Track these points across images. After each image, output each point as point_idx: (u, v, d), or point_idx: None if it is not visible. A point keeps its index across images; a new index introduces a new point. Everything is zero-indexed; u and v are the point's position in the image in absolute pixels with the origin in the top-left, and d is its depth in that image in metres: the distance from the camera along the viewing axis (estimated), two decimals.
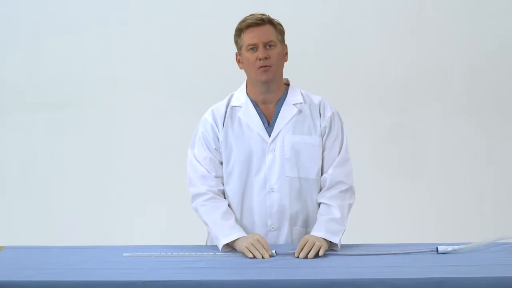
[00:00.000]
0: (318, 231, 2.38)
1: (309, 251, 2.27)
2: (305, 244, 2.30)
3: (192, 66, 4.35)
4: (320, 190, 2.53)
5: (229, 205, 2.54)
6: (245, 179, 2.52)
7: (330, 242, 2.37)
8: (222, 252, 2.38)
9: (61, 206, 4.39)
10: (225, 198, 2.54)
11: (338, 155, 2.53)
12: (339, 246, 2.38)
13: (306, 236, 2.38)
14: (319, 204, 2.52)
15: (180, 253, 2.31)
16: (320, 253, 2.27)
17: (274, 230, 2.50)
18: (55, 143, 4.40)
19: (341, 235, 2.41)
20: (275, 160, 2.50)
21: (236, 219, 2.48)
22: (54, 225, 4.37)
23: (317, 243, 2.29)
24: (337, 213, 2.45)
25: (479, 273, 2.02)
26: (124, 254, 2.29)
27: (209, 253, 2.32)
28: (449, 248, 2.28)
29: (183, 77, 4.37)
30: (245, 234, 2.39)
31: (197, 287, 1.96)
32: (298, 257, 2.27)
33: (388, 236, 4.06)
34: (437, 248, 2.28)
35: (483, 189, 4.39)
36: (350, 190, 2.52)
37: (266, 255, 2.27)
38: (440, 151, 4.40)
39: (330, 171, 2.51)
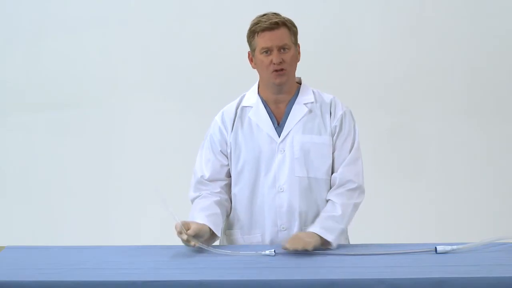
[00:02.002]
0: (314, 227, 2.38)
1: (294, 247, 2.26)
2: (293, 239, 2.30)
3: (192, 66, 4.36)
4: (331, 188, 2.53)
5: (236, 206, 2.55)
6: (255, 179, 2.52)
7: (326, 240, 2.36)
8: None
9: (61, 206, 4.40)
10: (222, 199, 2.54)
11: (349, 154, 2.53)
12: (334, 244, 2.36)
13: (299, 232, 2.38)
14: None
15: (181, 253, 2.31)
16: (307, 248, 2.26)
17: (284, 230, 2.50)
18: (55, 143, 4.40)
19: (337, 233, 2.39)
20: (284, 160, 2.50)
21: (215, 214, 2.45)
22: (54, 225, 4.38)
23: (306, 239, 2.29)
24: (338, 211, 2.44)
25: (479, 273, 2.02)
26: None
27: (210, 253, 2.31)
28: (448, 248, 2.28)
29: (183, 77, 4.37)
30: (201, 223, 2.36)
31: (197, 287, 1.96)
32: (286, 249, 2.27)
33: (388, 236, 4.05)
34: (435, 248, 2.28)
35: (483, 189, 4.39)
36: (358, 189, 2.51)
37: (183, 237, 2.27)
38: (440, 151, 4.40)
39: (339, 170, 2.51)
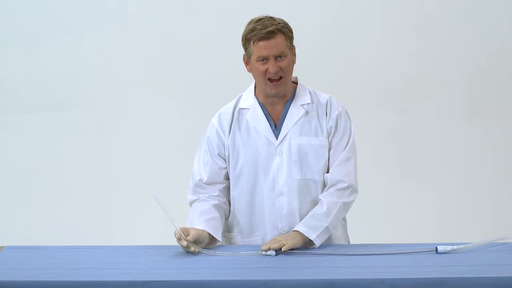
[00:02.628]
0: (298, 226, 2.39)
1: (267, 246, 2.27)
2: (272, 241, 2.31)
3: (192, 66, 4.36)
4: None
5: (235, 209, 2.55)
6: (254, 182, 2.52)
7: (310, 240, 2.36)
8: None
9: (61, 206, 4.39)
10: (220, 203, 2.53)
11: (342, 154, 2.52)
12: (316, 242, 2.36)
13: (278, 235, 2.40)
14: None
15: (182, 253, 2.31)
16: (283, 249, 2.26)
17: (285, 233, 2.48)
18: (54, 143, 4.40)
19: (320, 231, 2.37)
20: (282, 163, 2.50)
21: (214, 218, 2.45)
22: (54, 225, 4.37)
23: (282, 241, 2.29)
24: (323, 209, 2.43)
25: (479, 273, 2.02)
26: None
27: (209, 253, 2.31)
28: (449, 248, 2.28)
29: (183, 77, 4.37)
30: (200, 228, 2.36)
31: (197, 287, 1.96)
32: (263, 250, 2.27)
33: (388, 236, 4.05)
34: (436, 248, 2.28)
35: (483, 189, 4.39)
36: (349, 188, 2.49)
37: (183, 243, 2.28)
38: (440, 151, 4.40)
39: (331, 170, 2.51)
